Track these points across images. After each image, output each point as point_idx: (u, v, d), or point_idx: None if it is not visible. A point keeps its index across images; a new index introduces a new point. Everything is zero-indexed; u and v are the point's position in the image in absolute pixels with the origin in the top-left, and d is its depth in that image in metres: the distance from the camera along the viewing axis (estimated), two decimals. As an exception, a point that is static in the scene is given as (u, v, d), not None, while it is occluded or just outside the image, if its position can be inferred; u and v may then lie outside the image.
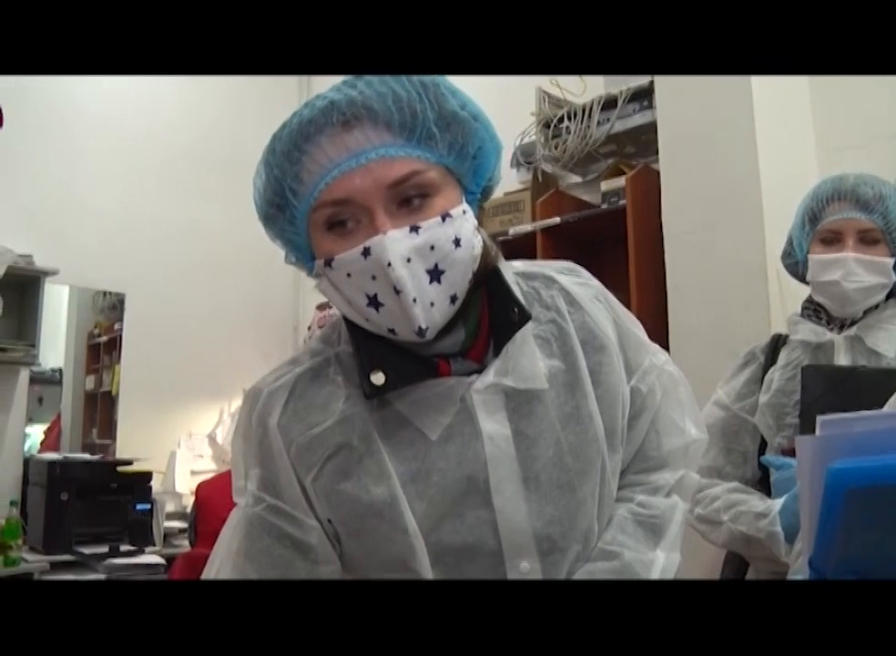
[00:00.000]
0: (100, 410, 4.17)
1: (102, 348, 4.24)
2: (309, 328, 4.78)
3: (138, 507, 3.48)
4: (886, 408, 1.01)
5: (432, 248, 0.80)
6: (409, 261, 0.79)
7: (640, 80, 2.69)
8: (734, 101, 2.23)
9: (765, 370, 1.56)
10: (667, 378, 1.01)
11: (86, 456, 3.79)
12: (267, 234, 0.90)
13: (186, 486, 3.98)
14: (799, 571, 0.81)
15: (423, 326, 0.80)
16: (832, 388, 1.42)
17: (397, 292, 0.79)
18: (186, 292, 4.29)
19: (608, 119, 2.79)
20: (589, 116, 2.83)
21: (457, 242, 0.82)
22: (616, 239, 2.60)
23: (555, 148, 2.94)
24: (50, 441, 3.93)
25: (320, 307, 4.74)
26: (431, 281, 0.80)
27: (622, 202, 2.63)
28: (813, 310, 1.56)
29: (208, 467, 4.14)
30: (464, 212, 0.84)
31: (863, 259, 1.46)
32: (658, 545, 0.94)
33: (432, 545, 0.87)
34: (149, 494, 3.58)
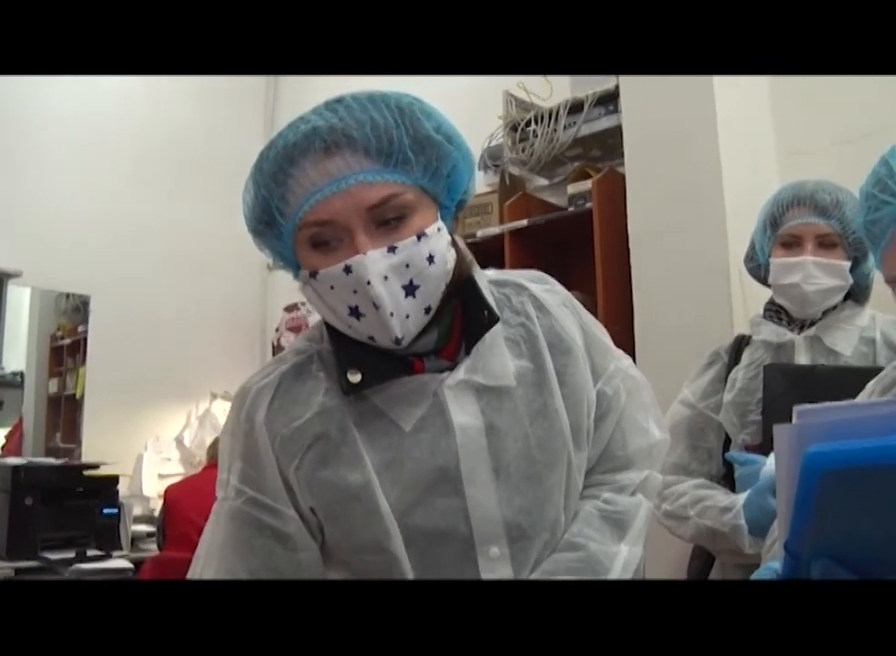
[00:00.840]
0: (64, 413, 4.11)
1: (65, 351, 4.19)
2: (277, 330, 4.76)
3: (105, 511, 3.44)
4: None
5: (408, 266, 0.86)
6: (386, 278, 0.85)
7: (606, 84, 2.73)
8: (697, 106, 2.28)
9: (729, 369, 1.61)
10: (631, 382, 1.06)
11: (51, 460, 3.73)
12: (255, 245, 0.95)
13: (153, 489, 3.95)
14: (767, 565, 0.84)
15: (399, 336, 0.87)
16: (793, 386, 1.47)
17: (376, 307, 0.85)
18: (152, 294, 4.25)
19: (575, 123, 2.82)
20: (556, 119, 2.86)
21: (431, 259, 0.88)
22: (583, 241, 2.64)
23: (523, 151, 2.97)
24: (11, 445, 3.87)
25: (288, 309, 4.72)
26: (406, 296, 0.87)
27: (588, 205, 2.67)
28: (775, 311, 1.61)
29: (175, 471, 4.11)
30: (439, 230, 0.90)
31: (822, 262, 1.51)
32: (623, 539, 0.98)
33: (406, 528, 0.91)
34: (116, 498, 3.53)
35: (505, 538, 0.93)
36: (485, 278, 1.01)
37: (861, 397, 1.06)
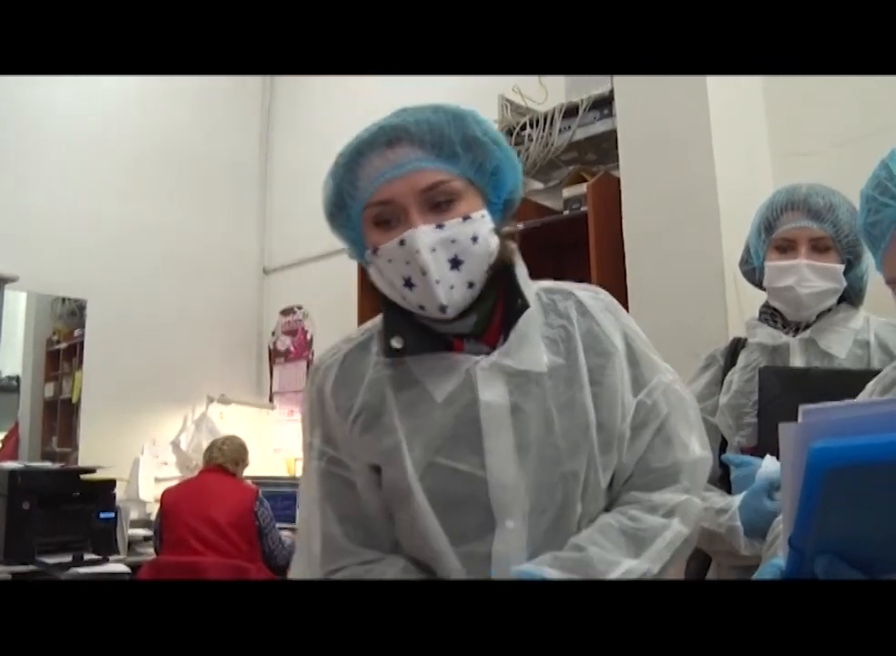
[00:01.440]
0: (60, 418, 4.11)
1: (61, 355, 4.19)
2: (273, 334, 4.77)
3: (102, 515, 3.44)
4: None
5: (453, 241, 0.99)
6: (434, 250, 0.98)
7: (601, 88, 2.74)
8: (692, 109, 2.29)
9: (725, 372, 1.61)
10: (675, 396, 1.10)
11: (48, 464, 3.73)
12: (331, 231, 1.09)
13: (150, 493, 3.94)
14: (771, 562, 0.84)
15: (444, 303, 0.99)
16: (788, 388, 1.48)
17: (423, 273, 0.98)
18: (149, 297, 4.25)
19: (570, 127, 2.83)
20: (551, 123, 2.87)
21: (475, 239, 1.01)
22: (578, 245, 2.64)
23: (518, 155, 2.97)
24: (7, 450, 3.87)
25: (285, 312, 4.73)
26: (451, 268, 0.99)
27: (583, 209, 2.68)
28: (770, 314, 1.62)
29: (172, 474, 4.10)
30: (483, 216, 1.03)
31: (816, 265, 1.52)
32: (636, 555, 0.99)
33: (430, 491, 1.02)
34: (113, 502, 3.53)
35: (520, 511, 1.00)
36: (538, 286, 1.11)
37: (861, 398, 1.07)
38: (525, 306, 1.04)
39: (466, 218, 1.00)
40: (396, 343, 1.04)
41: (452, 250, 0.99)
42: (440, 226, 0.99)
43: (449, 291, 0.99)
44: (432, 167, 1.00)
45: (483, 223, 1.02)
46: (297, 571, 1.09)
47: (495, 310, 1.06)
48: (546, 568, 0.95)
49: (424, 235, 0.98)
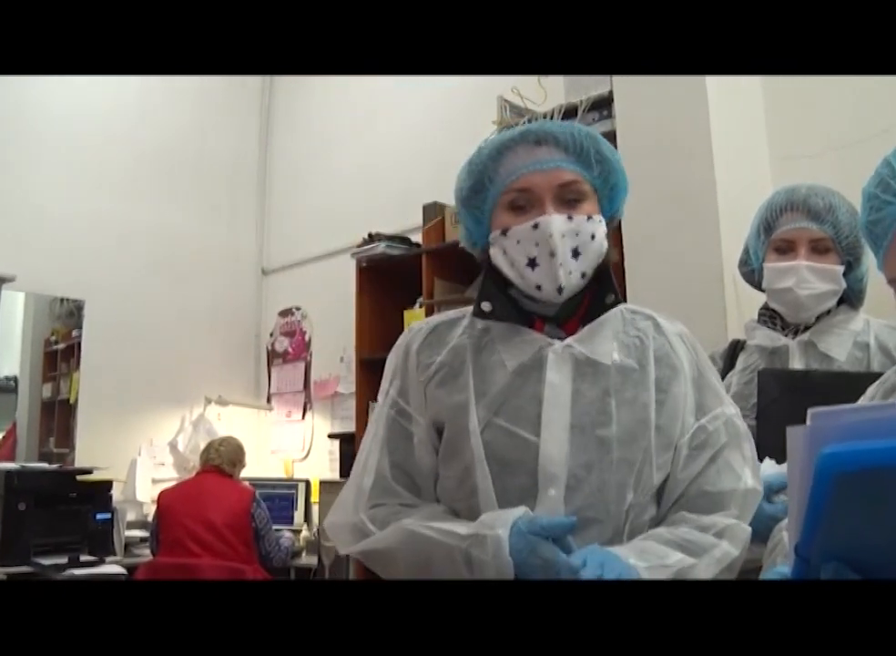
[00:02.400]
0: (58, 418, 4.10)
1: (59, 355, 4.18)
2: (271, 335, 4.76)
3: (98, 516, 3.43)
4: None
5: (577, 234, 1.12)
6: (563, 236, 1.11)
7: (600, 90, 2.74)
8: (691, 111, 2.28)
9: (723, 374, 1.61)
10: (734, 429, 1.18)
11: (44, 465, 3.72)
12: (458, 215, 1.22)
13: (147, 494, 3.94)
14: (776, 567, 0.84)
15: (563, 285, 1.11)
16: (787, 391, 1.47)
17: (552, 255, 1.10)
18: (147, 298, 4.24)
19: (569, 128, 2.82)
20: (550, 124, 2.87)
21: (593, 237, 1.13)
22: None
23: (517, 155, 2.96)
24: (5, 450, 3.86)
25: (283, 314, 4.72)
26: (573, 256, 1.12)
27: (583, 210, 2.67)
28: (769, 316, 1.62)
29: (169, 475, 4.10)
30: (601, 221, 1.16)
31: (815, 267, 1.51)
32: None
33: (486, 446, 1.11)
34: (110, 503, 3.53)
35: (564, 483, 1.08)
36: (624, 305, 1.22)
37: (862, 401, 1.06)
38: (618, 301, 1.17)
39: (590, 217, 1.13)
40: (486, 306, 1.17)
41: (575, 241, 1.12)
42: (570, 218, 1.12)
43: (568, 275, 1.11)
44: (570, 168, 1.13)
45: (600, 226, 1.15)
46: (344, 498, 1.20)
47: (581, 303, 1.17)
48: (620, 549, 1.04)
49: (558, 222, 1.11)
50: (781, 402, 1.46)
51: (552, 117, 2.86)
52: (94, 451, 3.84)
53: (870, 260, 1.52)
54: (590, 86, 2.78)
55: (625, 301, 1.22)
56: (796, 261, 1.52)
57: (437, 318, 1.27)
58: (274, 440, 4.55)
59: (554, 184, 1.13)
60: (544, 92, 2.99)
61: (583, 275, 1.13)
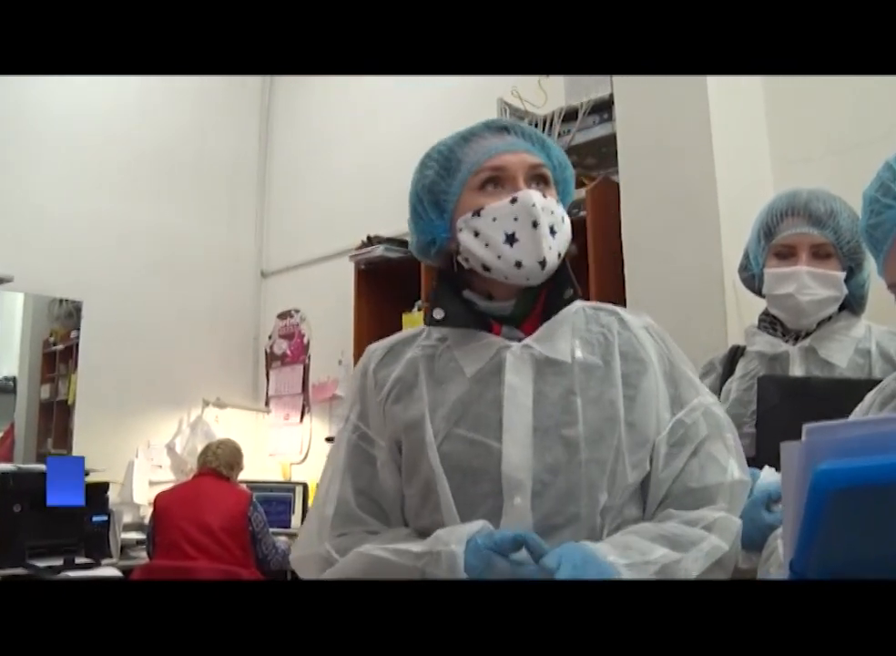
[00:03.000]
0: (56, 419, 4.10)
1: (58, 356, 4.17)
2: (270, 337, 4.75)
3: (95, 518, 3.42)
4: (852, 417, 1.03)
5: (552, 212, 1.11)
6: (543, 209, 1.09)
7: (601, 92, 2.73)
8: (692, 114, 2.27)
9: (723, 380, 1.60)
10: (714, 419, 1.13)
11: (41, 466, 3.71)
12: (410, 217, 1.19)
13: (144, 496, 3.93)
14: (769, 577, 0.82)
15: (545, 257, 1.07)
16: (787, 398, 1.46)
17: (535, 225, 1.07)
18: (145, 300, 4.24)
19: (569, 131, 2.82)
20: (550, 127, 2.86)
21: (563, 219, 1.12)
22: (577, 248, 2.62)
23: (517, 158, 2.95)
24: (2, 451, 3.86)
25: (282, 316, 4.71)
26: (550, 233, 1.09)
27: (582, 214, 2.66)
28: (769, 322, 1.60)
29: (166, 478, 4.09)
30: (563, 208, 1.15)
31: (816, 272, 1.50)
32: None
33: (445, 458, 1.08)
34: (106, 505, 3.52)
35: (530, 490, 1.04)
36: (584, 304, 1.19)
37: (861, 409, 1.05)
38: (577, 296, 1.14)
39: (559, 201, 1.14)
40: (438, 313, 1.14)
41: (551, 218, 1.10)
42: (544, 195, 1.11)
43: (549, 250, 1.08)
44: (536, 152, 1.15)
45: (565, 213, 1.14)
46: (308, 529, 1.16)
47: (538, 299, 1.14)
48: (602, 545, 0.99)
49: (535, 196, 1.09)
50: (781, 408, 1.44)
51: (552, 120, 2.85)
52: (91, 452, 3.82)
53: (871, 265, 1.51)
54: (590, 88, 2.77)
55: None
56: (797, 267, 1.50)
57: (395, 337, 1.24)
58: (272, 443, 4.54)
59: (526, 163, 1.13)
60: (545, 94, 2.99)
61: (559, 255, 1.11)
